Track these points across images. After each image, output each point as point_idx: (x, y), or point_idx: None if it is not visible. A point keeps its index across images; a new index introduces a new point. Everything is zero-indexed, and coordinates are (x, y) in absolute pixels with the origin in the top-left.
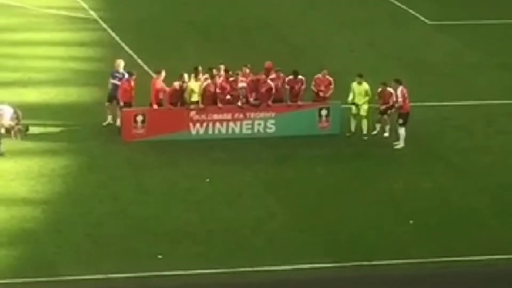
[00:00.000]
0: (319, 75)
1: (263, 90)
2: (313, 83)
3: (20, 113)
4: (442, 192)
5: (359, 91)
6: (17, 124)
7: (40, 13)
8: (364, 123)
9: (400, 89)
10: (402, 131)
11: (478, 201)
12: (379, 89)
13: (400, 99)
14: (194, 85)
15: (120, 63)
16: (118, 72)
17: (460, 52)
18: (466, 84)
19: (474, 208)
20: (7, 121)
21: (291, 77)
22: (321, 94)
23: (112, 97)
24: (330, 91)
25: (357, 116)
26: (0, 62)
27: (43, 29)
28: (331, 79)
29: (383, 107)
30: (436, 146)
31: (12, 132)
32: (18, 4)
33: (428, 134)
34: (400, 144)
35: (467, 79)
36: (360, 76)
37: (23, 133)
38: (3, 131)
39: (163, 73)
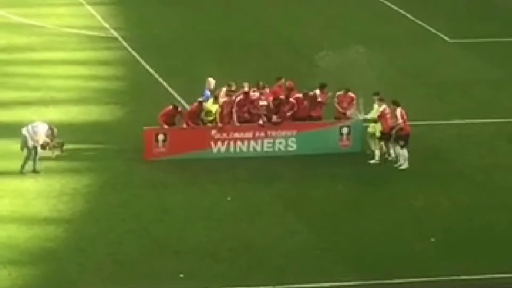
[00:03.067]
0: (341, 92)
1: (285, 109)
2: (335, 100)
3: (55, 129)
4: (463, 209)
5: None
6: (52, 140)
7: (61, 32)
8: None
9: (398, 110)
10: (404, 152)
11: (500, 219)
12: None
13: (400, 121)
14: (211, 106)
15: (211, 82)
16: (210, 90)
17: (482, 69)
18: (488, 102)
19: (496, 226)
20: (43, 137)
21: (340, 93)
22: (342, 110)
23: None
24: (353, 108)
25: (374, 136)
26: (21, 81)
27: (64, 48)
28: (353, 95)
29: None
30: (458, 163)
31: (48, 148)
32: (39, 24)
33: (449, 151)
34: (405, 165)
35: (489, 96)
36: (377, 94)
37: (60, 149)
38: (39, 148)
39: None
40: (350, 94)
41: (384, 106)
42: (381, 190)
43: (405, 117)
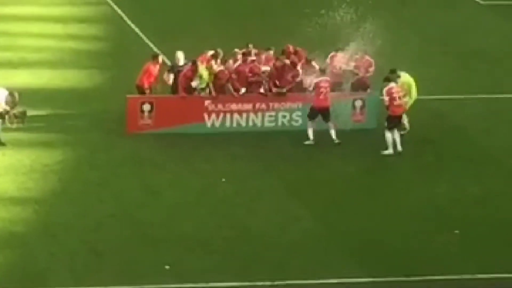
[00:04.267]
0: (357, 56)
1: (288, 76)
2: (352, 64)
3: (17, 96)
4: (492, 198)
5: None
6: (12, 108)
7: None
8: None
9: (387, 87)
10: (388, 136)
11: None
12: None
13: (385, 98)
14: (203, 70)
15: (180, 56)
16: (180, 66)
17: None
18: None
19: None
20: (1, 105)
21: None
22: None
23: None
24: (370, 74)
25: None
26: None
27: (37, 2)
28: (371, 60)
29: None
30: (486, 145)
31: (7, 118)
32: None
33: (477, 131)
34: (388, 151)
35: None
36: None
37: (21, 119)
38: None
39: (160, 59)
40: (368, 57)
41: (392, 84)
42: (398, 174)
43: (395, 95)
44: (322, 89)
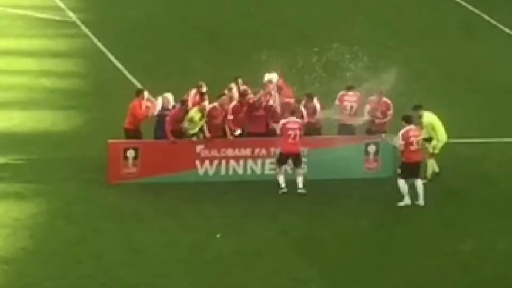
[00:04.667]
0: (373, 98)
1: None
2: (367, 108)
3: None
4: None
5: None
6: None
7: (3, 14)
8: (429, 163)
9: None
10: (400, 183)
11: None
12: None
13: (401, 142)
14: (194, 112)
15: (170, 98)
16: (168, 110)
17: None
18: None
19: None
20: None
21: (373, 97)
22: (377, 121)
23: None
24: (389, 118)
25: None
26: None
27: (7, 34)
28: (389, 102)
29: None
30: None
31: None
32: None
33: (507, 179)
34: (403, 202)
35: None
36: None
37: None
38: None
39: (146, 94)
40: (386, 99)
41: (410, 126)
42: (418, 229)
43: (412, 139)
44: (290, 132)
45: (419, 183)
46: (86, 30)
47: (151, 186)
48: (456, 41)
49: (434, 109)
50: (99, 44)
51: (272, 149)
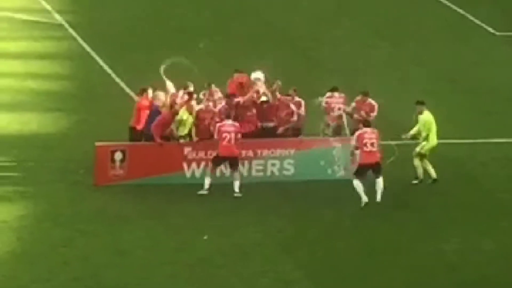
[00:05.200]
0: (358, 98)
1: (282, 114)
2: (351, 107)
3: None
4: (508, 255)
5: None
6: None
7: None
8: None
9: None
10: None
11: None
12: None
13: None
14: (182, 112)
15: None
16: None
17: None
18: None
19: None
20: None
21: (358, 98)
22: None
23: None
24: (372, 119)
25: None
26: None
27: None
28: (374, 103)
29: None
30: (504, 195)
31: None
32: None
33: (493, 180)
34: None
35: None
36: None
37: None
38: None
39: (150, 92)
40: (371, 101)
41: (366, 129)
42: (403, 229)
43: (366, 141)
44: (225, 135)
45: (379, 181)
46: (72, 32)
47: (138, 188)
48: (440, 41)
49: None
50: (86, 46)
51: (259, 151)
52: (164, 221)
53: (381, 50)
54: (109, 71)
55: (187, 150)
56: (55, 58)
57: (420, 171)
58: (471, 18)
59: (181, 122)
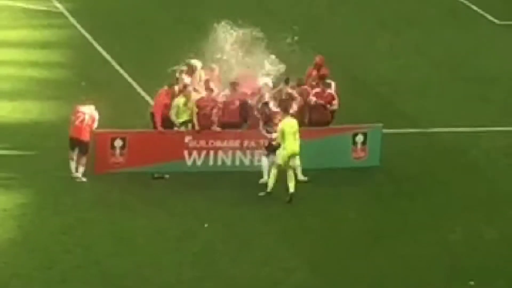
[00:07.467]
0: (317, 89)
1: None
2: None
3: None
4: (511, 244)
5: None
6: None
7: None
8: None
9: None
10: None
11: None
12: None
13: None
14: (178, 98)
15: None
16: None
17: None
18: None
19: None
20: None
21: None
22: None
23: None
24: (334, 108)
25: None
26: None
27: None
28: (334, 93)
29: None
30: (505, 184)
31: None
32: None
33: (495, 169)
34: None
35: None
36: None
37: None
38: None
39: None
40: (330, 91)
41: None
42: (406, 219)
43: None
44: (75, 117)
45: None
46: (73, 20)
47: (139, 176)
48: (442, 29)
49: (419, 98)
50: (86, 34)
51: (261, 141)
52: (165, 209)
53: (382, 39)
54: (111, 60)
55: (188, 138)
56: (56, 47)
57: (271, 182)
58: (472, 6)
59: (178, 108)
